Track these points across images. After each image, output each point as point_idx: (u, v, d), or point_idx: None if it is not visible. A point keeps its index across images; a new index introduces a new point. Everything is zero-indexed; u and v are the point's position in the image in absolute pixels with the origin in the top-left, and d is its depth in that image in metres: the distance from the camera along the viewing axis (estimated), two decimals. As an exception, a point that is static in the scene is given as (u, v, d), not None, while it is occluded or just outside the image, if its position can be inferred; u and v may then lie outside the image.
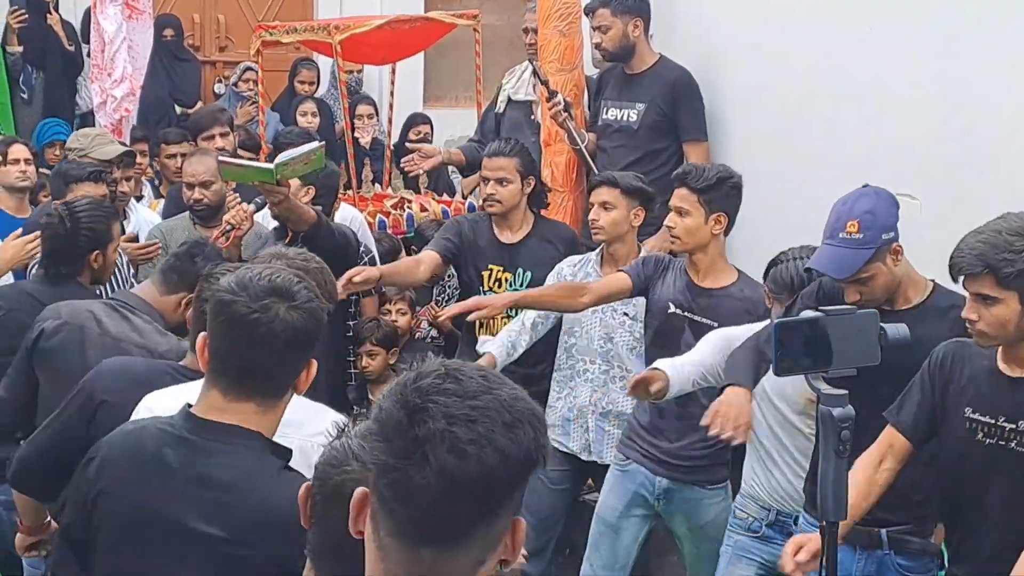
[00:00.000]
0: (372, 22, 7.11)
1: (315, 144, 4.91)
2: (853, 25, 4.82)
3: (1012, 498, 2.95)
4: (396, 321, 5.69)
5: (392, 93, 8.03)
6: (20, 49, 8.33)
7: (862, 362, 2.49)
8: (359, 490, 1.62)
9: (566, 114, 5.74)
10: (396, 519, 1.55)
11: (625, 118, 5.83)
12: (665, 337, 4.39)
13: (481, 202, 5.06)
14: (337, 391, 5.20)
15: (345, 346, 5.69)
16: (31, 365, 3.77)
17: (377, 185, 7.68)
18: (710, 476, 4.39)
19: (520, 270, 5.09)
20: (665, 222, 4.41)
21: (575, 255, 5.00)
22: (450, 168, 8.69)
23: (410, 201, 7.00)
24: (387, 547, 1.57)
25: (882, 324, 2.52)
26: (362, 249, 5.71)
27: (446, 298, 6.09)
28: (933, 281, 3.47)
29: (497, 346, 4.73)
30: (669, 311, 4.36)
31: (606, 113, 5.93)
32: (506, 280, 5.11)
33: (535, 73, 5.94)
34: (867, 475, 3.10)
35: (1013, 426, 2.96)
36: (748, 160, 5.60)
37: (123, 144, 6.65)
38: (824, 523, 2.49)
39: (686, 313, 4.33)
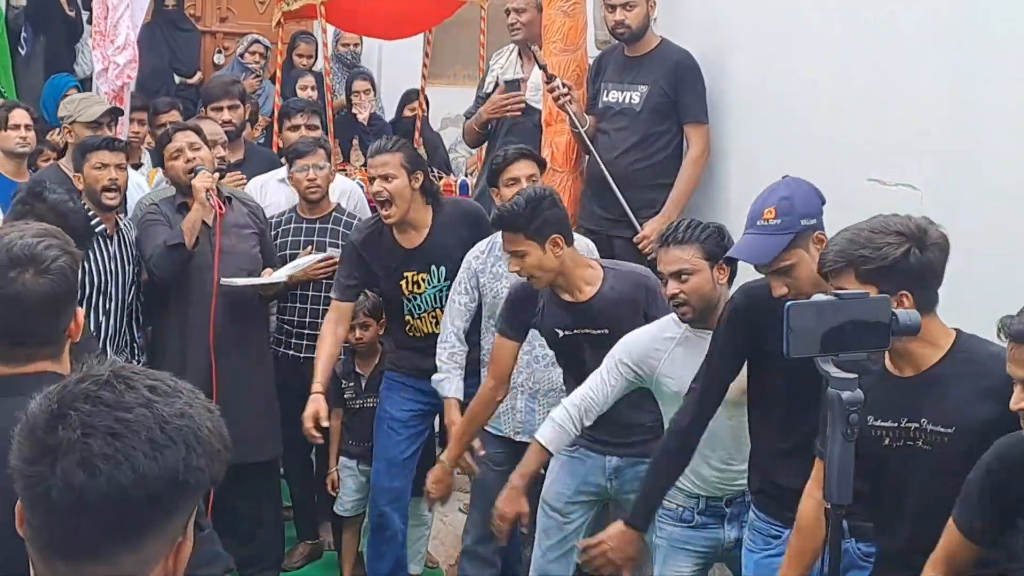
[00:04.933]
0: None
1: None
2: (861, 12, 4.82)
3: (927, 497, 2.98)
4: (361, 337, 5.56)
5: (424, 76, 8.01)
6: (24, 3, 8.31)
7: (872, 346, 2.51)
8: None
9: (567, 98, 5.74)
10: (31, 527, 1.46)
11: (627, 100, 5.82)
12: (568, 358, 4.45)
13: (371, 198, 5.08)
14: None
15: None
16: None
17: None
18: (655, 445, 4.37)
19: (434, 268, 5.08)
20: (509, 268, 4.36)
21: (481, 239, 4.99)
22: (448, 146, 8.73)
23: None
24: (32, 556, 1.48)
25: (894, 310, 2.54)
26: (356, 222, 5.76)
27: None
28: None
29: (455, 389, 4.85)
30: (559, 336, 4.37)
31: (606, 95, 5.91)
32: (424, 280, 5.11)
33: (534, 57, 5.95)
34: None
35: (916, 424, 2.99)
36: (751, 144, 5.61)
37: (120, 109, 6.64)
38: (829, 506, 2.51)
39: (575, 331, 4.34)
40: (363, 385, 5.57)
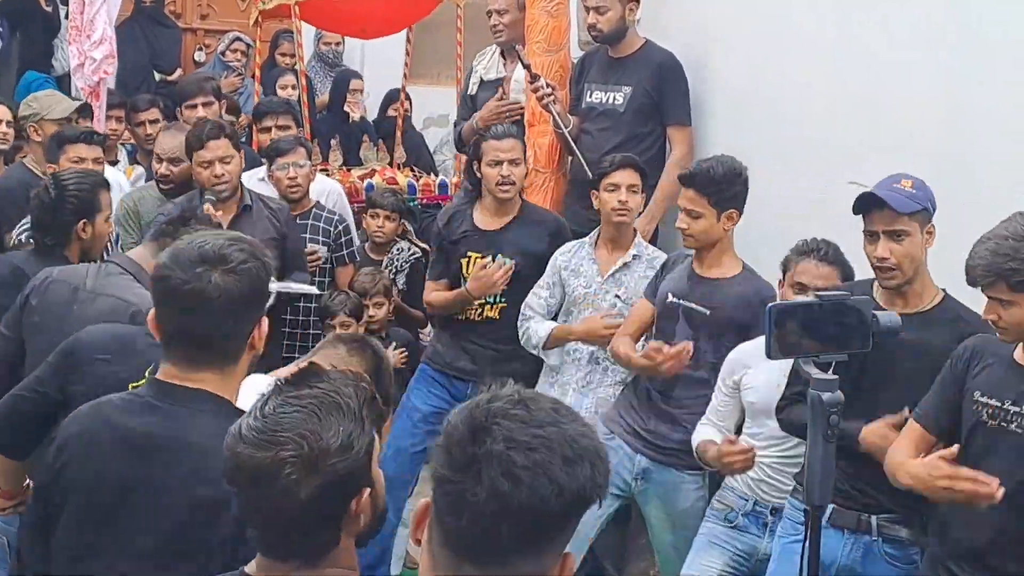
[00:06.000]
0: None
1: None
2: (854, 14, 4.79)
3: (1009, 483, 2.98)
4: (374, 315, 5.73)
5: (406, 75, 7.99)
6: None
7: (854, 348, 2.49)
8: (422, 501, 1.67)
9: (551, 98, 5.72)
10: (445, 530, 1.60)
11: (611, 101, 5.79)
12: (662, 325, 4.46)
13: (494, 185, 5.06)
14: None
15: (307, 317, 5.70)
16: (19, 321, 3.73)
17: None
18: (690, 461, 4.35)
19: (499, 256, 5.07)
20: (677, 223, 4.45)
21: (565, 243, 5.04)
22: (432, 148, 8.69)
23: (376, 171, 7.02)
24: (437, 557, 1.62)
25: (874, 311, 2.52)
26: (336, 218, 5.73)
27: (394, 270, 6.18)
28: (944, 291, 3.55)
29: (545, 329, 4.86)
30: (667, 300, 4.41)
31: (590, 96, 5.89)
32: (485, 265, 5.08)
33: (519, 57, 5.92)
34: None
35: (1017, 409, 3.05)
36: (744, 145, 5.54)
37: (78, 99, 6.59)
38: (809, 507, 2.49)
39: (680, 300, 4.37)
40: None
